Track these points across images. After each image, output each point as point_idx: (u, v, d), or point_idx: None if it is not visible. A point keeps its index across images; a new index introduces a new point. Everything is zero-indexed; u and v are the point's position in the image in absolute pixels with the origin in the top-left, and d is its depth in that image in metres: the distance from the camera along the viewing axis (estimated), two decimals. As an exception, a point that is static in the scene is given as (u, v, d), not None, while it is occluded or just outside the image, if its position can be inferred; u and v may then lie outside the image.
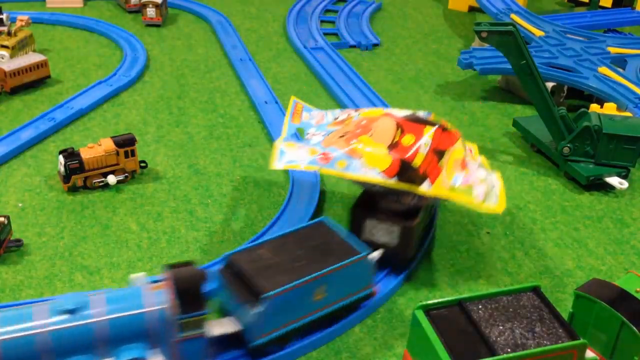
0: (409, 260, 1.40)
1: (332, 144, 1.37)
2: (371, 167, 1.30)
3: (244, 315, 1.13)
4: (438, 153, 1.33)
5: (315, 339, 1.22)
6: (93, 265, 1.40)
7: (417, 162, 1.29)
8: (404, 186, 1.29)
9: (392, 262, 1.38)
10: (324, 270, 1.17)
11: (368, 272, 1.26)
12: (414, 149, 1.31)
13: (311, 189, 1.65)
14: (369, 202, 1.38)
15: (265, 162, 1.79)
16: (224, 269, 1.21)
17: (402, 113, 1.42)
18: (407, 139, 1.33)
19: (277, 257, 1.20)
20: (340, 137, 1.39)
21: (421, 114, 1.43)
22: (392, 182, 1.28)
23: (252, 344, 1.14)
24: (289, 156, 1.37)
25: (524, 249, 1.53)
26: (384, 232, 1.36)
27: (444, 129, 1.37)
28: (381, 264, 1.33)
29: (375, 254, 1.28)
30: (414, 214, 1.35)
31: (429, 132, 1.34)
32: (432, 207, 1.51)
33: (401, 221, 1.34)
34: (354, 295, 1.25)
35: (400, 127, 1.35)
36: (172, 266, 1.06)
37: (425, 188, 1.29)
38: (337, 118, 1.52)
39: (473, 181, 1.34)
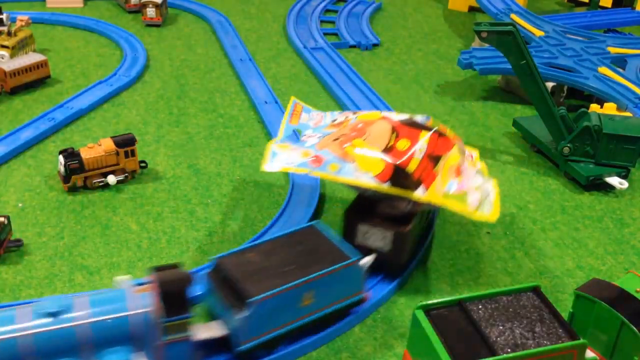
0: (402, 266, 1.38)
1: (326, 147, 1.35)
2: (364, 171, 1.28)
3: (230, 320, 1.12)
4: (433, 159, 1.31)
5: (316, 339, 1.22)
6: (93, 265, 1.40)
7: (412, 167, 1.28)
8: (397, 191, 1.27)
9: (386, 268, 1.36)
10: (312, 276, 1.15)
11: (358, 278, 1.23)
12: (408, 153, 1.29)
13: (311, 189, 1.65)
14: (363, 206, 1.36)
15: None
16: (212, 272, 1.19)
17: (399, 117, 1.41)
18: (402, 144, 1.31)
19: (265, 261, 1.18)
20: (335, 140, 1.37)
21: (419, 118, 1.42)
22: (385, 187, 1.26)
23: (238, 348, 1.12)
24: (280, 158, 1.36)
25: (524, 249, 1.53)
26: (377, 237, 1.33)
27: (440, 134, 1.35)
28: (375, 269, 1.33)
29: (368, 259, 1.27)
30: (408, 219, 1.33)
31: (424, 137, 1.32)
32: (428, 213, 1.50)
33: (394, 227, 1.32)
34: (344, 301, 1.23)
35: (396, 131, 1.34)
36: (158, 269, 1.05)
37: (419, 194, 1.26)
38: (335, 120, 1.50)
39: (467, 188, 1.32)
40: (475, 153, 1.52)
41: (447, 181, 1.30)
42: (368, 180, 1.27)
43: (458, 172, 1.33)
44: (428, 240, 1.49)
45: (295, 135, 1.54)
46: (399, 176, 1.27)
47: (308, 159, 1.33)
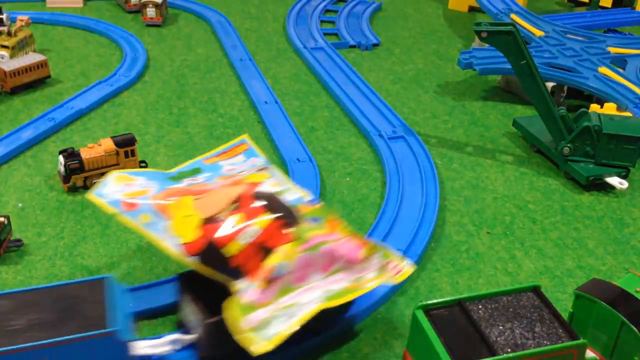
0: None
1: (162, 196, 1.18)
2: (173, 235, 1.09)
3: None
4: (264, 250, 1.09)
5: (315, 338, 1.22)
6: (93, 265, 1.40)
7: (231, 250, 1.07)
8: (208, 272, 1.07)
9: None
10: (42, 342, 0.97)
11: (116, 354, 1.02)
12: (231, 232, 1.09)
13: (311, 189, 1.65)
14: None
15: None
16: None
17: (273, 188, 1.22)
18: (235, 219, 1.11)
19: (16, 314, 1.02)
20: (179, 190, 1.20)
21: (308, 199, 1.23)
22: (189, 261, 1.07)
23: None
24: (106, 189, 1.21)
25: (524, 249, 1.53)
26: (193, 316, 1.13)
27: (286, 224, 1.12)
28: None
29: (175, 338, 1.13)
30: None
31: (262, 221, 1.11)
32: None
33: (206, 312, 1.09)
34: None
35: (239, 203, 1.14)
36: None
37: (240, 286, 1.05)
38: (237, 171, 1.32)
39: (263, 300, 1.06)
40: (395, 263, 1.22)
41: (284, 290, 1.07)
42: (173, 246, 1.08)
43: (269, 281, 1.08)
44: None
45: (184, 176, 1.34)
46: (211, 255, 1.08)
47: (124, 198, 1.17)
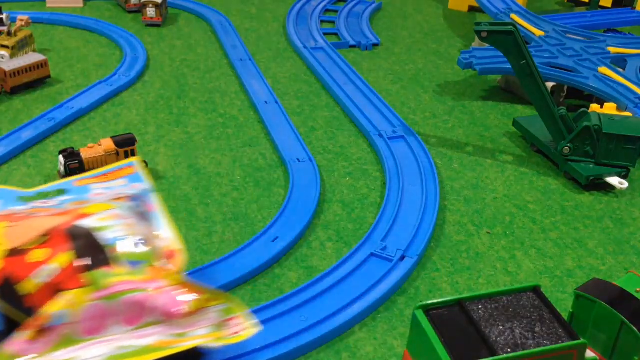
0: None
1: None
2: None
3: None
4: (60, 292, 0.99)
5: (315, 339, 1.22)
6: (93, 265, 1.40)
7: (27, 288, 0.99)
8: (5, 307, 0.99)
9: None
10: None
11: None
12: (28, 268, 1.00)
13: (311, 189, 1.65)
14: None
15: (265, 162, 1.79)
16: None
17: (101, 223, 1.10)
18: (38, 254, 1.01)
19: None
20: (10, 216, 1.11)
21: (141, 239, 1.10)
22: None
23: None
24: None
25: (524, 249, 1.53)
26: None
27: (86, 267, 1.02)
28: None
29: None
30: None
31: (61, 259, 1.01)
32: None
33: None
34: None
35: (49, 236, 1.05)
36: None
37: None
38: (104, 197, 1.21)
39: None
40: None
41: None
42: None
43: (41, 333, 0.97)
44: None
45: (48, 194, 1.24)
46: (8, 290, 0.99)
47: None
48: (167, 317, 1.01)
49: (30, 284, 0.99)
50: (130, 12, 2.80)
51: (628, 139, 1.72)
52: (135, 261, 1.05)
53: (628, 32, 2.72)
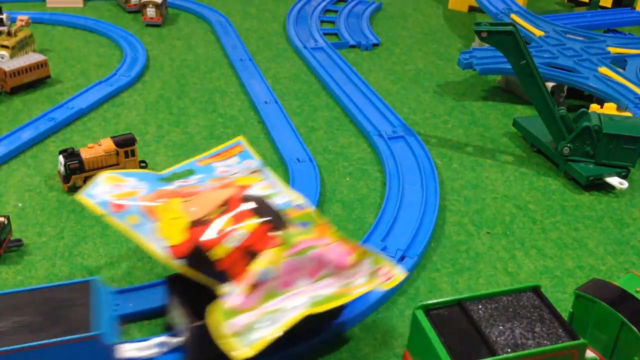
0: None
1: (151, 198, 1.16)
2: (160, 237, 1.08)
3: None
4: (251, 254, 1.07)
5: (315, 338, 1.21)
6: (93, 265, 1.40)
7: (217, 253, 1.06)
8: (194, 275, 1.06)
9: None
10: (26, 345, 0.96)
11: (101, 357, 1.00)
12: (218, 235, 1.07)
13: (311, 189, 1.65)
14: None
15: (265, 162, 1.79)
16: None
17: (265, 191, 1.20)
18: (223, 222, 1.09)
19: (1, 316, 1.01)
20: (169, 192, 1.18)
21: (298, 203, 1.20)
22: (176, 264, 1.06)
23: None
24: (96, 190, 1.19)
25: (524, 249, 1.53)
26: (180, 319, 1.12)
27: (274, 228, 1.10)
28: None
29: (163, 340, 1.12)
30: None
31: (249, 225, 1.09)
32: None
33: (193, 315, 1.07)
34: None
35: (227, 205, 1.12)
36: None
37: (226, 290, 1.04)
38: (230, 173, 1.30)
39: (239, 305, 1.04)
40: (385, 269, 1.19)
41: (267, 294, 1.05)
42: (159, 248, 1.06)
43: (255, 286, 1.06)
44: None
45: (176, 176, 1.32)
46: (197, 258, 1.06)
47: (112, 200, 1.16)
48: (337, 269, 1.12)
49: (221, 250, 1.06)
50: (130, 12, 2.80)
51: (628, 139, 1.72)
52: (304, 222, 1.17)
53: (628, 32, 2.72)
